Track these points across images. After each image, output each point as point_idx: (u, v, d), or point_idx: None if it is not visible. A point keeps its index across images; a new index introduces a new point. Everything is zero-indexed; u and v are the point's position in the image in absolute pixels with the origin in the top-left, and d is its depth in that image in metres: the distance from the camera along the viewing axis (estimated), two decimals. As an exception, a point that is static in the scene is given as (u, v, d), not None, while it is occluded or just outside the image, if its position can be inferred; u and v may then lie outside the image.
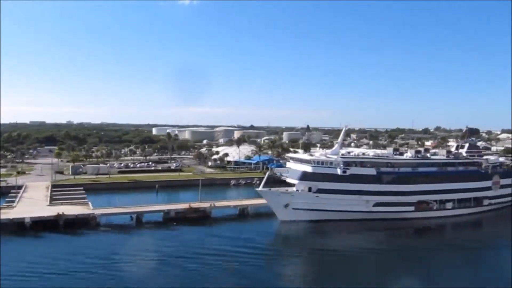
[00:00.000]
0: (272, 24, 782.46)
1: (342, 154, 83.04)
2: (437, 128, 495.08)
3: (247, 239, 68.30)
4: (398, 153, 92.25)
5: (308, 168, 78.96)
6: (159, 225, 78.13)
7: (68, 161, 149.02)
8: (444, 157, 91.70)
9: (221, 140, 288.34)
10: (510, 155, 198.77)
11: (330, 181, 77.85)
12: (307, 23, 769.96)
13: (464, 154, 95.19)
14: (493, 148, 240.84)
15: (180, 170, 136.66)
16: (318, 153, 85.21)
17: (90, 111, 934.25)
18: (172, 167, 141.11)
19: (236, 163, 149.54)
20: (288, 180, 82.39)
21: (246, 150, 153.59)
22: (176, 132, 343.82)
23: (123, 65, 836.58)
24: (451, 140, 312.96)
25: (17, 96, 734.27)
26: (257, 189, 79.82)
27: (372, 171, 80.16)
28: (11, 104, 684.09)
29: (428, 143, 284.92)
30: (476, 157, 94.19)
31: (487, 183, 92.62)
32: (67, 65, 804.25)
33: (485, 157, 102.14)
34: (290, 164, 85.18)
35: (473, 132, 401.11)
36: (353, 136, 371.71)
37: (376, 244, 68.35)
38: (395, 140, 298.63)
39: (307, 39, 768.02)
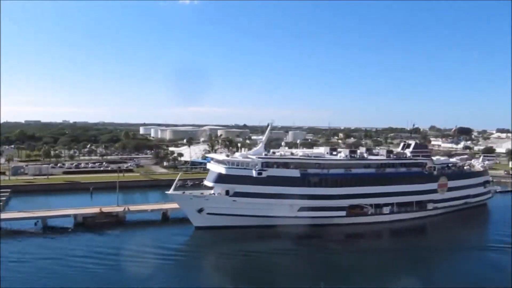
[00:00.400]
0: (272, 24, 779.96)
1: (265, 154, 76.49)
2: (432, 128, 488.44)
3: (139, 248, 61.75)
4: (335, 153, 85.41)
5: (222, 170, 72.60)
6: (62, 231, 71.86)
7: (21, 161, 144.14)
8: (384, 158, 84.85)
9: (201, 139, 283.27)
10: (488, 154, 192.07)
11: (247, 183, 71.48)
12: (307, 23, 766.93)
13: (409, 154, 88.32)
14: (476, 148, 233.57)
15: (130, 171, 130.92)
16: (238, 153, 78.62)
17: (91, 111, 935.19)
18: (123, 168, 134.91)
19: (193, 163, 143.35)
20: (205, 182, 75.95)
21: (201, 149, 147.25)
22: (159, 131, 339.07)
23: (123, 65, 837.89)
24: (438, 139, 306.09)
25: (16, 96, 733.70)
26: (167, 192, 73.37)
27: (295, 173, 73.60)
28: (10, 104, 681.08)
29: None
30: (420, 158, 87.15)
31: (432, 186, 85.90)
32: (67, 65, 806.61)
33: (436, 157, 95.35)
34: (209, 165, 78.68)
35: (464, 132, 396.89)
36: (341, 135, 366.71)
37: (285, 251, 62.87)
38: (376, 139, 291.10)
39: (307, 39, 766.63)
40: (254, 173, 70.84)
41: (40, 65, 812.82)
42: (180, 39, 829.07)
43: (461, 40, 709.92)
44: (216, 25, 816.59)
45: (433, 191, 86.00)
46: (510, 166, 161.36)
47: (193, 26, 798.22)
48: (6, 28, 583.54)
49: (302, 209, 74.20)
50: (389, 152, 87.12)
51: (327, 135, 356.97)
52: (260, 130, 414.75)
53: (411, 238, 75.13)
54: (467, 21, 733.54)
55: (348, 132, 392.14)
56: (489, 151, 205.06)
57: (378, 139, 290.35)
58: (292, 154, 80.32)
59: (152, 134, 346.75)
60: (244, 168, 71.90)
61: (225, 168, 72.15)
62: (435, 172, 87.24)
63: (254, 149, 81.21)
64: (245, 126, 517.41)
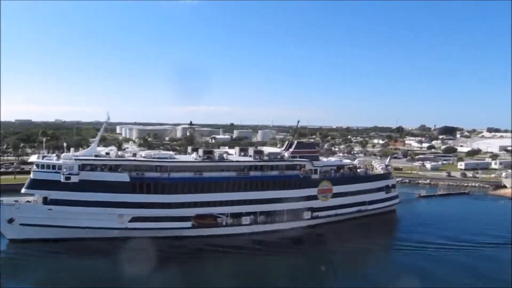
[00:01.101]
0: (272, 23, 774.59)
1: (95, 155, 65.99)
2: (421, 127, 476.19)
3: None
4: (199, 154, 74.25)
5: (31, 174, 62.43)
6: None
7: None
8: (251, 159, 73.81)
9: (166, 138, 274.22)
10: (448, 154, 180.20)
11: (62, 189, 61.08)
12: (306, 23, 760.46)
13: (287, 155, 77.19)
14: (443, 147, 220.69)
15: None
16: (64, 154, 67.78)
17: (91, 110, 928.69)
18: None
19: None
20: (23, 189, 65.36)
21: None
22: (127, 130, 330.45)
23: (123, 64, 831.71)
24: (412, 138, 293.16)
25: (13, 95, 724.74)
26: (-34, 199, 62.98)
27: (122, 177, 62.96)
28: (8, 103, 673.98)
29: (375, 141, 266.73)
30: (297, 159, 75.91)
31: (310, 191, 74.78)
32: (67, 64, 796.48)
33: (326, 158, 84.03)
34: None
35: (448, 131, 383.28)
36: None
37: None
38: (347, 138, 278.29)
39: (307, 39, 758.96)
40: (62, 178, 60.31)
41: (40, 65, 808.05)
42: (180, 39, 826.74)
43: (460, 40, 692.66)
44: (216, 24, 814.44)
45: (312, 197, 74.94)
46: (458, 167, 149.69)
47: (194, 25, 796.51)
48: (6, 28, 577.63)
49: (134, 219, 63.62)
50: (258, 152, 75.65)
51: (304, 134, 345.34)
52: (250, 128, 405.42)
53: (261, 252, 63.83)
54: (467, 21, 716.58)
55: (327, 131, 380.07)
56: (449, 151, 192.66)
57: (353, 138, 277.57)
58: (134, 155, 69.58)
59: (123, 134, 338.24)
60: (56, 172, 61.42)
61: (34, 172, 61.89)
62: (315, 176, 75.96)
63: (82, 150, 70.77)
64: (232, 125, 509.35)
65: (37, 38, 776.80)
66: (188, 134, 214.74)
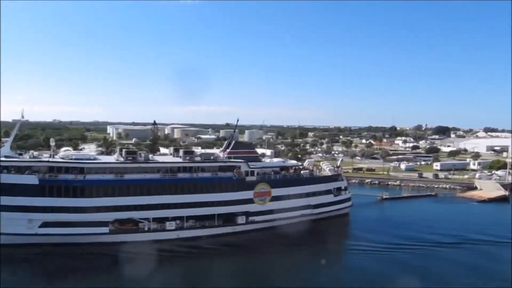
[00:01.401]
0: (272, 23, 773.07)
1: (5, 156, 62.07)
2: (418, 127, 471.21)
3: None
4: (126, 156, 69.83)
5: None
6: None
7: None
8: (180, 160, 69.68)
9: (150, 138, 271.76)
10: (428, 155, 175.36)
11: (-38, 193, 57.24)
12: (306, 23, 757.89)
13: (222, 156, 73.01)
14: (428, 147, 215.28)
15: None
16: None
17: (92, 110, 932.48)
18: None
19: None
20: None
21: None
22: (114, 129, 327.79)
23: (124, 64, 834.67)
24: (402, 138, 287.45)
25: (14, 95, 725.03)
26: None
27: (30, 179, 59.07)
28: (9, 103, 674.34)
29: (363, 141, 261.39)
30: (231, 160, 71.67)
31: (245, 194, 70.44)
32: (67, 64, 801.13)
33: (268, 160, 79.63)
34: None
35: (441, 130, 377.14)
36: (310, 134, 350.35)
37: None
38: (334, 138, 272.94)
39: (307, 39, 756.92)
40: (-45, 180, 56.60)
41: (40, 65, 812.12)
42: (180, 39, 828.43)
43: (460, 40, 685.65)
44: (216, 24, 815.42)
45: (247, 201, 70.61)
46: (434, 167, 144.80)
47: (193, 26, 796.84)
48: (6, 28, 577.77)
49: (46, 224, 59.66)
50: (188, 153, 71.50)
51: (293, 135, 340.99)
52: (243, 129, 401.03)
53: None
54: (467, 21, 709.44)
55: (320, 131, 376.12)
56: (431, 151, 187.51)
57: (344, 138, 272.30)
58: (52, 156, 65.66)
59: (111, 134, 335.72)
60: (-50, 175, 57.64)
61: None
62: (251, 178, 71.56)
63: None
64: (227, 125, 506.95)
65: (37, 38, 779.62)
66: (151, 133, 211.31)
